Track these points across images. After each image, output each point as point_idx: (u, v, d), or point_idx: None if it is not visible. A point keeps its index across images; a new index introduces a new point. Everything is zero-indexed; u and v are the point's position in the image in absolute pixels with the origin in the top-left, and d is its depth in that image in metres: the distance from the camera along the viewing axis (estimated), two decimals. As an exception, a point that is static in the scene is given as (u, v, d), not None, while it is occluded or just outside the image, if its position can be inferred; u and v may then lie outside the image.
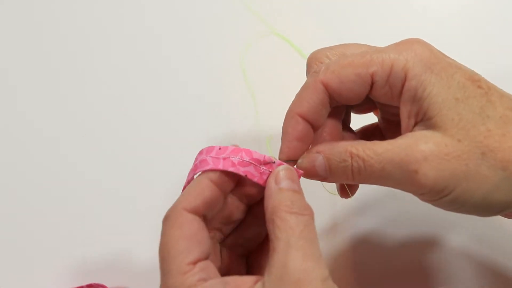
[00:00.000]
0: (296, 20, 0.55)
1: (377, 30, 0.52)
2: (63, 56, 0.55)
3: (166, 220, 0.30)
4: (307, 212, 0.29)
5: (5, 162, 0.51)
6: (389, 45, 0.32)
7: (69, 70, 0.55)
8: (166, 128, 0.51)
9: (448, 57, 0.31)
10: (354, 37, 0.51)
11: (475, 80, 0.30)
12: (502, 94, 0.30)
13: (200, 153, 0.32)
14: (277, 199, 0.29)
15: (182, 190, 0.35)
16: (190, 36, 0.55)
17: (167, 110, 0.52)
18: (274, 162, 0.32)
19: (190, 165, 0.39)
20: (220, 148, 0.31)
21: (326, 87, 0.31)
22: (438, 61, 0.30)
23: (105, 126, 0.52)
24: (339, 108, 0.34)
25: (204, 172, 0.31)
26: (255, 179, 0.31)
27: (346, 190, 0.37)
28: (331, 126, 0.34)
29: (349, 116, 0.37)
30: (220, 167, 0.31)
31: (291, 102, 0.33)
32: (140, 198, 0.48)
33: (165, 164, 0.49)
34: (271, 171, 0.31)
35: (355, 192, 0.38)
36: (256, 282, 0.28)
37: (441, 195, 0.28)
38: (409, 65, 0.30)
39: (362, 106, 0.37)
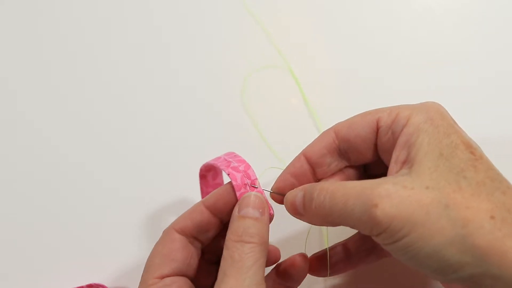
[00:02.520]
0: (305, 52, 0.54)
1: (383, 60, 0.52)
2: (65, 59, 0.55)
3: (161, 236, 0.34)
4: (255, 240, 0.30)
5: (5, 162, 0.51)
6: None
7: (76, 73, 0.55)
8: (164, 148, 0.50)
9: (457, 124, 0.31)
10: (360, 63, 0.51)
11: (470, 146, 0.29)
12: (491, 167, 0.29)
13: (226, 153, 0.37)
14: (233, 227, 0.31)
15: (199, 172, 0.39)
16: (198, 55, 0.55)
17: (167, 132, 0.51)
18: (256, 187, 0.34)
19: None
20: (235, 155, 0.36)
21: (337, 134, 0.34)
22: (441, 118, 0.30)
23: (106, 132, 0.52)
24: (354, 169, 0.36)
25: (205, 195, 0.37)
26: (235, 183, 0.33)
27: (318, 265, 0.37)
28: (344, 178, 0.35)
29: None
30: (218, 164, 0.35)
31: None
32: (140, 199, 0.48)
33: (166, 172, 0.49)
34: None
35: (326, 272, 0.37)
36: None
37: (396, 238, 0.27)
38: (412, 114, 0.31)
39: (375, 169, 0.37)
